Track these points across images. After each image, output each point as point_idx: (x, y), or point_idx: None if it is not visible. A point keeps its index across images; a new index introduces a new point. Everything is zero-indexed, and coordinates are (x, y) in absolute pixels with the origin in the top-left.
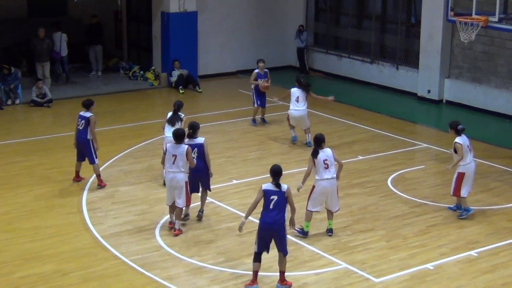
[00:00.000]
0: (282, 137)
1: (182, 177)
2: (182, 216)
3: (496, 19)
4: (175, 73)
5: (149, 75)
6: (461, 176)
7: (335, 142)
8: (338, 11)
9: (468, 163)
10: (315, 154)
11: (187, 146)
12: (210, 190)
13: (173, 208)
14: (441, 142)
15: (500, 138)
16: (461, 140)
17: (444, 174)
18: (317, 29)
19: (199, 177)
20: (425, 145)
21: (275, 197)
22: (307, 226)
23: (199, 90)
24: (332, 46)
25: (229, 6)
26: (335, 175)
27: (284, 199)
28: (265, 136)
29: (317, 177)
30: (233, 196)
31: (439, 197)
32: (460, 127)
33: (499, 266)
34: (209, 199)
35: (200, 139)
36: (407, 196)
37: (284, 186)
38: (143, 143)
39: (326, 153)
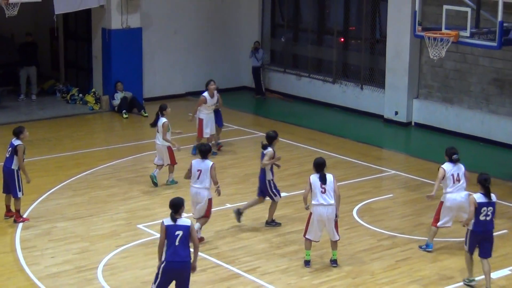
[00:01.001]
0: (236, 165)
1: (206, 194)
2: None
3: (467, 33)
4: (118, 96)
5: (89, 98)
6: (440, 206)
7: (296, 170)
8: (296, 26)
9: (449, 193)
10: (323, 179)
11: (212, 162)
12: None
13: None
14: (411, 169)
15: (474, 163)
16: (447, 166)
17: (414, 203)
18: (273, 47)
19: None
20: (393, 171)
21: (180, 233)
22: (308, 255)
23: (145, 115)
24: (291, 65)
25: (177, 22)
26: (333, 202)
27: (188, 234)
28: (218, 164)
29: (313, 202)
30: None
31: (409, 228)
32: (455, 156)
33: None
34: (156, 234)
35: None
36: (374, 228)
37: (187, 220)
38: (82, 174)
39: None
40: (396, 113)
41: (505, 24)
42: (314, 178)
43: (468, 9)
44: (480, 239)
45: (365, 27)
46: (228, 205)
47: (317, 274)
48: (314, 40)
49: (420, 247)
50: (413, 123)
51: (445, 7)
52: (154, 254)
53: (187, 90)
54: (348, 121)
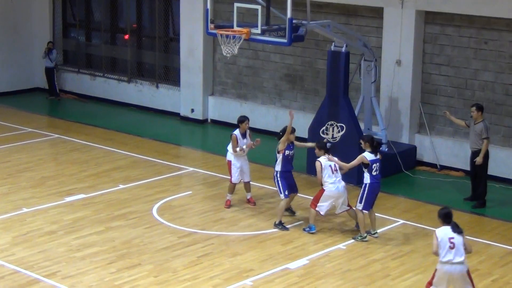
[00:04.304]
0: (32, 168)
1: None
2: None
3: (259, 31)
4: None
5: None
6: (320, 192)
7: (93, 171)
8: (88, 26)
9: (330, 183)
10: (455, 230)
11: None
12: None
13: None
14: (208, 165)
15: (269, 157)
16: (322, 159)
17: (213, 199)
18: (66, 47)
19: None
20: (192, 169)
21: None
22: None
23: None
24: (84, 65)
25: None
26: (462, 259)
27: None
28: (13, 168)
29: (441, 259)
30: None
31: (209, 224)
32: (328, 145)
33: None
34: None
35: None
36: (174, 226)
37: None
38: None
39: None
40: (192, 110)
41: (294, 21)
42: (444, 233)
43: (259, 7)
44: (376, 192)
45: (158, 25)
46: (25, 209)
47: (119, 275)
48: (108, 39)
49: (304, 229)
50: (209, 120)
51: (236, 4)
52: None
53: None
54: (145, 120)
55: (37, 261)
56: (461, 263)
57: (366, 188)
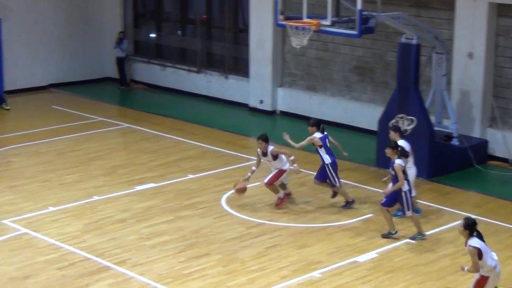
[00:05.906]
0: (103, 157)
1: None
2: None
3: (328, 22)
4: None
5: None
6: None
7: (162, 161)
8: (159, 16)
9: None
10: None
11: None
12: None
13: None
14: None
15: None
16: (404, 143)
17: None
18: (137, 37)
19: None
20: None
21: None
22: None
23: (7, 108)
24: (155, 55)
25: (36, 12)
26: None
27: None
28: (84, 156)
29: (492, 263)
30: (51, 225)
31: (277, 215)
32: (403, 129)
33: (344, 286)
34: (22, 229)
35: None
36: (243, 216)
37: None
38: None
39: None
40: (261, 101)
41: (364, 13)
42: (480, 242)
43: None
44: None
45: (228, 16)
46: (96, 197)
47: (187, 264)
48: (178, 30)
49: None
50: (278, 112)
51: None
52: (20, 249)
53: (49, 82)
54: (214, 111)
55: (107, 249)
56: None
57: (407, 196)
